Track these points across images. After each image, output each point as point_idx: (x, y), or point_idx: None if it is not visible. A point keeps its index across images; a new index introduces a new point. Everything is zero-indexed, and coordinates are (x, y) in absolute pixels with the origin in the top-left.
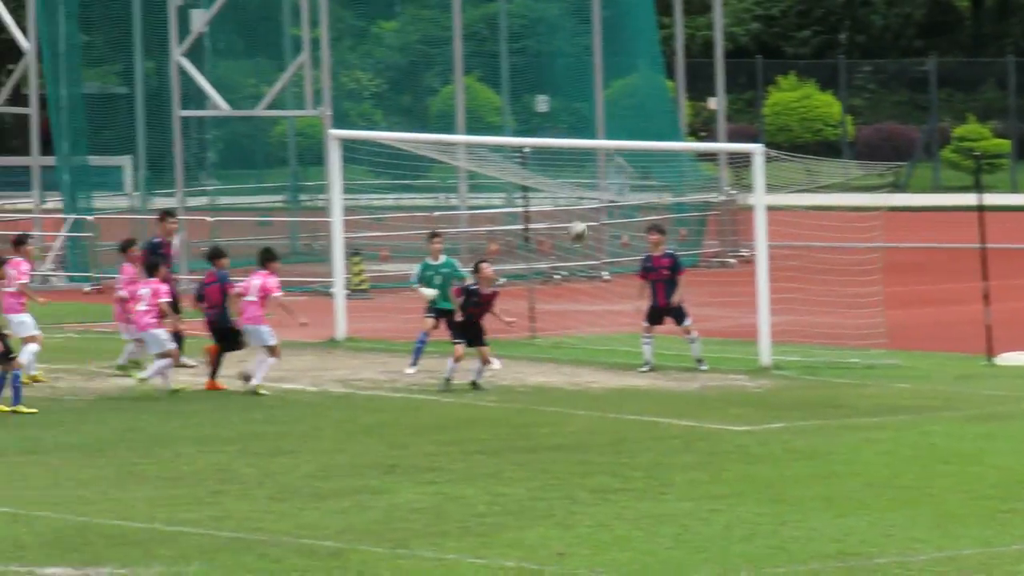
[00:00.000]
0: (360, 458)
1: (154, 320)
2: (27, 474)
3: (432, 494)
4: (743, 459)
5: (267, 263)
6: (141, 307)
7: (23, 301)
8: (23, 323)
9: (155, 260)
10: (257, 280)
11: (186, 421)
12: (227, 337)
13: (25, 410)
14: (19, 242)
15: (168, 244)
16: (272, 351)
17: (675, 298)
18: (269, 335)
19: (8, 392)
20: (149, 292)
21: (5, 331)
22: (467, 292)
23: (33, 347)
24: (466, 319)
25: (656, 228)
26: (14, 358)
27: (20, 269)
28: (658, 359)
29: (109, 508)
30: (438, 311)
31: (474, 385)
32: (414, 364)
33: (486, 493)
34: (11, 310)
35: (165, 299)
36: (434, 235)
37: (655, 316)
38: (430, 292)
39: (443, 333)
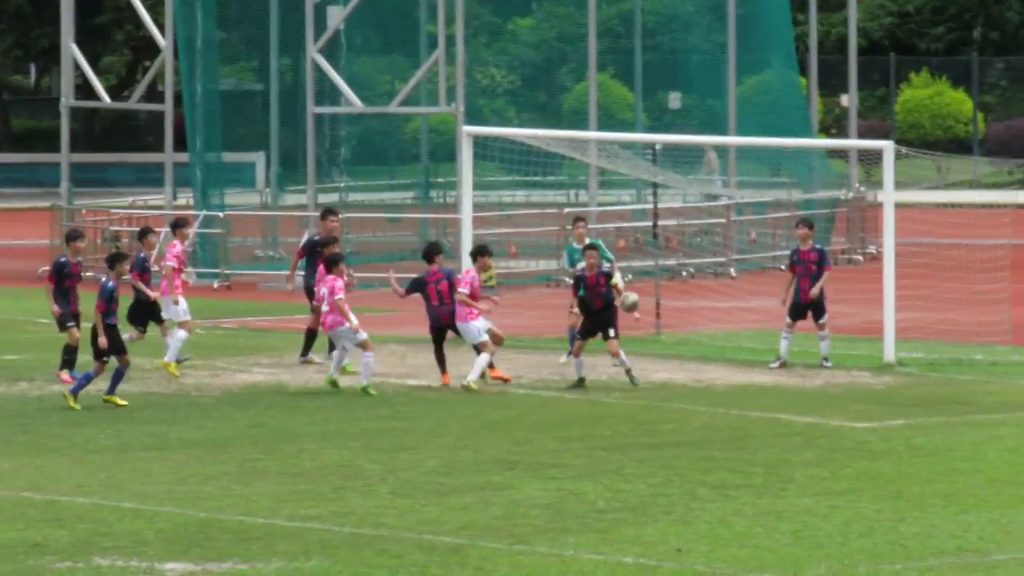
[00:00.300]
0: (483, 454)
1: (338, 319)
2: (151, 470)
3: (553, 490)
4: (864, 456)
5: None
6: (324, 308)
7: (177, 284)
8: (176, 307)
9: (335, 257)
10: (468, 275)
11: (311, 417)
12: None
13: (119, 402)
14: (177, 225)
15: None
16: (485, 345)
17: (815, 291)
18: (479, 332)
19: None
20: (327, 291)
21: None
22: (575, 281)
23: (182, 334)
24: (586, 310)
25: (804, 222)
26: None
27: (172, 252)
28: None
29: (231, 504)
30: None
31: (630, 377)
32: (570, 354)
33: (607, 489)
34: (164, 292)
35: (340, 296)
36: (578, 219)
37: (798, 311)
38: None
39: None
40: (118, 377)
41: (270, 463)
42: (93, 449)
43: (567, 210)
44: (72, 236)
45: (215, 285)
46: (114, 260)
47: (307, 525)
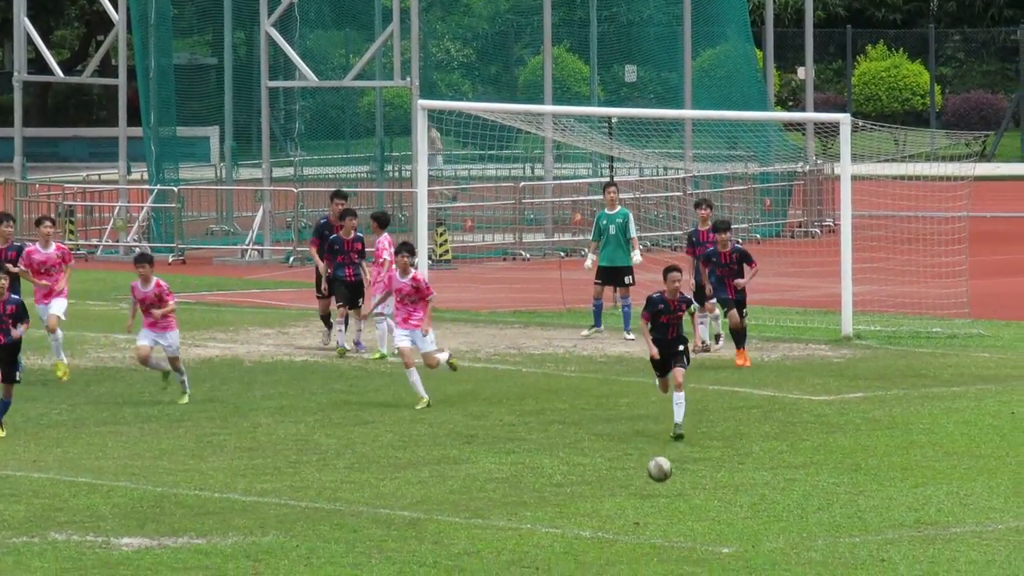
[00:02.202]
0: (439, 428)
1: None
2: (106, 444)
3: (510, 464)
4: (822, 429)
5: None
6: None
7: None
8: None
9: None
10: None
11: (267, 392)
12: None
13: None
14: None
15: (339, 227)
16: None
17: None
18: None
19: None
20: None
21: None
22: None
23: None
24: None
25: (705, 203)
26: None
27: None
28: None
29: (187, 478)
30: (607, 271)
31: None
32: (596, 326)
33: (564, 463)
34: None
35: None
36: (609, 184)
37: (700, 296)
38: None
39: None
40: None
41: (226, 438)
42: (48, 424)
43: (522, 183)
44: None
45: (169, 260)
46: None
47: (263, 499)
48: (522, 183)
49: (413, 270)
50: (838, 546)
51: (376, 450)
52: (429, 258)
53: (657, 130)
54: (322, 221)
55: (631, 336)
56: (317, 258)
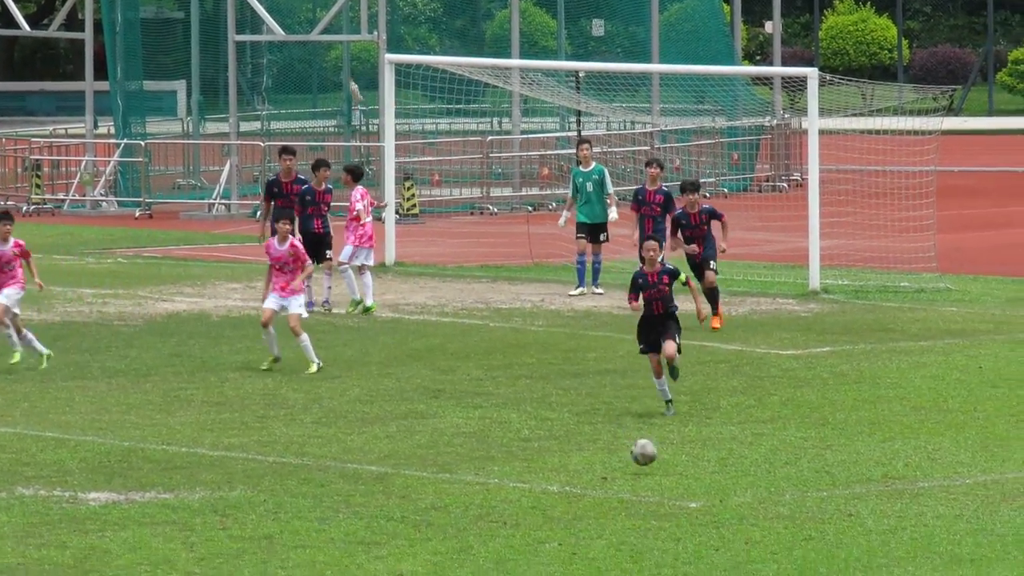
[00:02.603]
0: (407, 383)
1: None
2: (73, 399)
3: (478, 419)
4: (790, 383)
5: None
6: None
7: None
8: None
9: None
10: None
11: (234, 346)
12: None
13: None
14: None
15: (288, 184)
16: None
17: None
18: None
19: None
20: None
21: None
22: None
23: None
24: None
25: (656, 162)
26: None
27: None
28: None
29: (154, 433)
30: (589, 227)
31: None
32: (580, 286)
33: (531, 418)
34: None
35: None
36: (582, 141)
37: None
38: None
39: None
40: None
41: (193, 392)
42: (15, 378)
43: (490, 137)
44: None
45: (136, 214)
46: None
47: (231, 454)
48: (489, 137)
49: (291, 237)
50: (806, 500)
51: (343, 405)
52: (396, 212)
53: (624, 84)
54: (271, 178)
55: (600, 291)
56: (261, 217)
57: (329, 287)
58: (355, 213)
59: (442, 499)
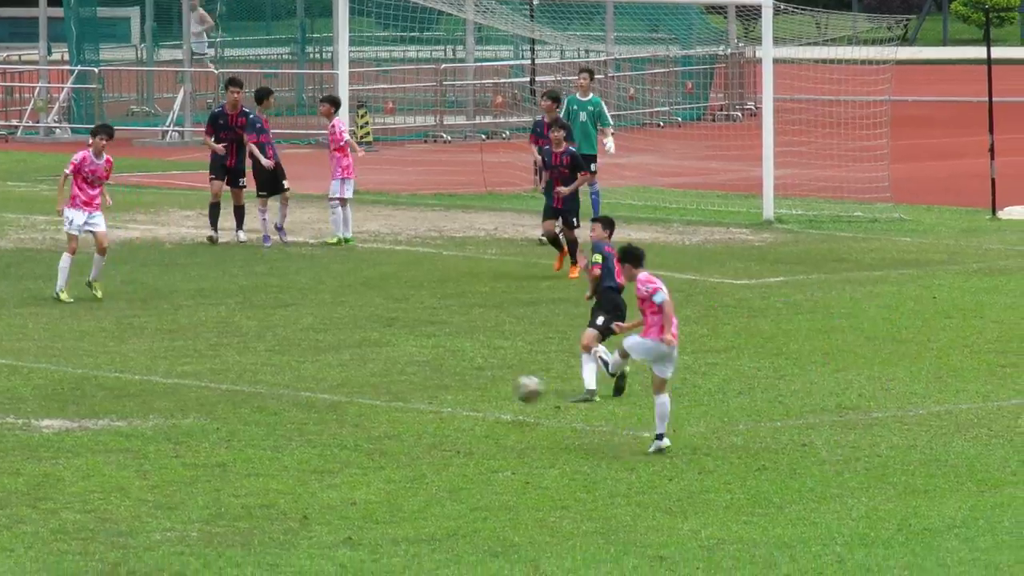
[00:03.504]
0: (360, 311)
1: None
2: (26, 326)
3: (431, 347)
4: (743, 313)
5: None
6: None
7: None
8: None
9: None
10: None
11: (187, 274)
12: None
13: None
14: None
15: (233, 116)
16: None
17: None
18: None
19: None
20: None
21: None
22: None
23: None
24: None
25: (551, 96)
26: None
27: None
28: (662, 213)
29: (107, 361)
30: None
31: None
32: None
33: (485, 347)
34: None
35: None
36: (583, 69)
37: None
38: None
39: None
40: None
41: (146, 320)
42: None
43: (444, 65)
44: None
45: (89, 141)
46: None
47: (184, 382)
48: (443, 65)
49: (105, 153)
50: (759, 431)
51: (296, 333)
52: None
53: (579, 12)
54: (216, 110)
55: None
56: (211, 142)
57: (284, 215)
58: (344, 142)
59: (395, 428)
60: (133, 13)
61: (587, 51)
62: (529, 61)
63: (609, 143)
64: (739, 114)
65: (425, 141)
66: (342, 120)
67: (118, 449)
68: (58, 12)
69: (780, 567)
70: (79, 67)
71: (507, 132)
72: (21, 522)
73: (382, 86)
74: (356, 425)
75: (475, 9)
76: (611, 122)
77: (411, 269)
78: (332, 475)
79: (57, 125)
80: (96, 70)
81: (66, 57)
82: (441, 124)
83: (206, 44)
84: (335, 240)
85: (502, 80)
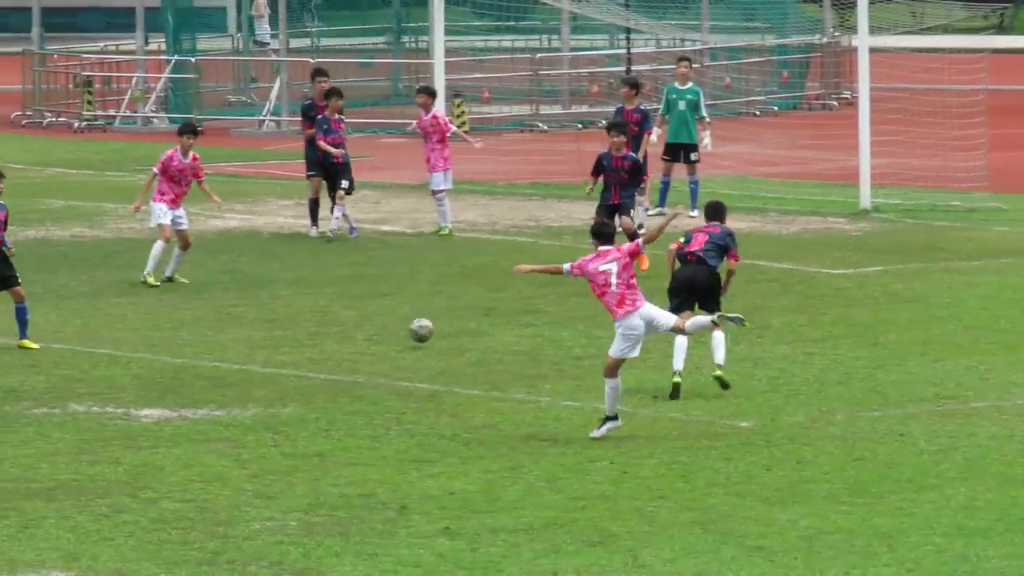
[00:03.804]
0: (457, 300)
1: None
2: (126, 316)
3: (529, 337)
4: (841, 302)
5: None
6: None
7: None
8: None
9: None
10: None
11: (285, 263)
12: None
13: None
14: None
15: (323, 106)
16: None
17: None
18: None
19: None
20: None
21: None
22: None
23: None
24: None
25: (628, 81)
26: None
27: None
28: (759, 202)
29: (206, 350)
30: (677, 147)
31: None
32: (660, 206)
33: (583, 336)
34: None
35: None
36: (682, 58)
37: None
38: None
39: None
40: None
41: (245, 309)
42: (68, 295)
43: (539, 55)
44: None
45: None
46: None
47: (282, 371)
48: (539, 55)
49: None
50: (857, 420)
51: (394, 322)
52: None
53: (674, 1)
54: (306, 103)
55: (694, 214)
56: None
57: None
58: (452, 131)
59: (493, 417)
60: (229, 2)
61: (683, 40)
62: (625, 50)
63: (707, 139)
64: (835, 103)
65: (521, 130)
66: (441, 111)
67: (217, 438)
68: (155, 2)
69: (879, 557)
70: (176, 57)
71: (603, 121)
72: (121, 511)
73: (477, 75)
74: (454, 415)
75: None
76: (705, 113)
77: (509, 258)
78: (430, 465)
79: (154, 115)
80: (193, 60)
81: (163, 47)
82: (537, 113)
83: (268, 33)
84: (448, 231)
85: (597, 69)
